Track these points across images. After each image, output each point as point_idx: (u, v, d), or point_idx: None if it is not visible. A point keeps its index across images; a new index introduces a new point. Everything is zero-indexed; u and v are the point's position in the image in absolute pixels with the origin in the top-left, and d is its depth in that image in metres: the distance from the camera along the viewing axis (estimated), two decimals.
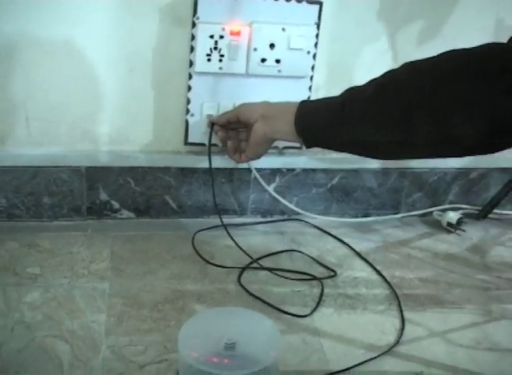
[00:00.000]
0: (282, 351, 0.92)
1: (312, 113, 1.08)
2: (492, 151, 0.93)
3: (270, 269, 1.26)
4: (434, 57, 0.93)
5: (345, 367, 1.02)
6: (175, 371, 0.98)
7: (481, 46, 0.89)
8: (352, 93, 1.03)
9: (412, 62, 0.96)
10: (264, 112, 1.17)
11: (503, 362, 1.08)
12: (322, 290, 1.22)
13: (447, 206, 1.53)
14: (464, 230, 1.48)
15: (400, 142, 0.96)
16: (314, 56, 1.31)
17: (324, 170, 1.42)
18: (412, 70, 0.95)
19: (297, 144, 1.36)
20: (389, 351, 1.07)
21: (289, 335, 1.08)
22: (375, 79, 0.99)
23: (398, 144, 0.96)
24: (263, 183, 1.41)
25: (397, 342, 1.10)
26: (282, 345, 0.91)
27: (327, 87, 1.35)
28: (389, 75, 0.98)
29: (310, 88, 1.34)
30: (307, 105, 1.11)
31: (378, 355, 1.06)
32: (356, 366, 1.03)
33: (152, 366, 0.99)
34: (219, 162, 1.36)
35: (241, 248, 1.31)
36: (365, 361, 1.04)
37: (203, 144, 1.33)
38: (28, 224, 1.36)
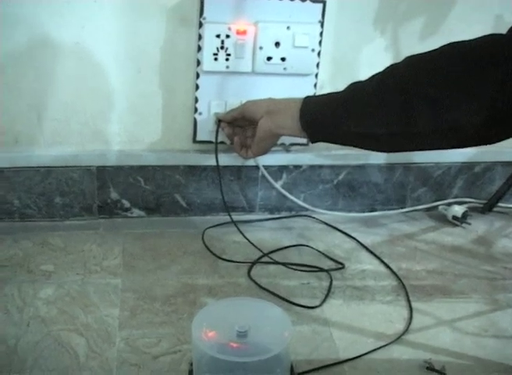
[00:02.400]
0: (292, 340, 0.94)
1: (316, 108, 1.11)
2: (493, 141, 0.95)
3: (280, 263, 1.28)
4: (435, 49, 0.95)
5: (355, 355, 1.04)
6: (188, 361, 0.99)
7: (480, 37, 0.91)
8: (355, 87, 1.06)
9: (413, 55, 0.98)
10: (268, 108, 1.19)
11: (509, 349, 1.09)
12: (331, 282, 1.24)
13: (452, 200, 1.55)
14: (469, 223, 1.50)
15: (401, 133, 0.98)
16: (319, 54, 1.33)
17: (330, 167, 1.44)
18: (412, 62, 0.98)
19: (303, 141, 1.39)
20: (397, 339, 1.09)
21: (299, 326, 1.10)
22: (377, 73, 1.02)
23: (400, 136, 0.99)
24: (271, 180, 1.43)
25: (405, 331, 1.11)
26: (292, 334, 0.93)
27: (332, 84, 1.38)
28: (391, 68, 1.01)
29: (315, 85, 1.36)
30: (311, 100, 1.13)
31: (387, 344, 1.08)
32: (365, 354, 1.05)
33: (166, 357, 1.01)
34: (227, 159, 1.38)
35: (251, 242, 1.33)
36: (374, 349, 1.06)
37: (211, 142, 1.35)
38: (40, 224, 1.38)
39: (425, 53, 0.96)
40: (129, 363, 1.00)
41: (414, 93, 0.95)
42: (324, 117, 1.09)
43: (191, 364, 0.97)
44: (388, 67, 1.01)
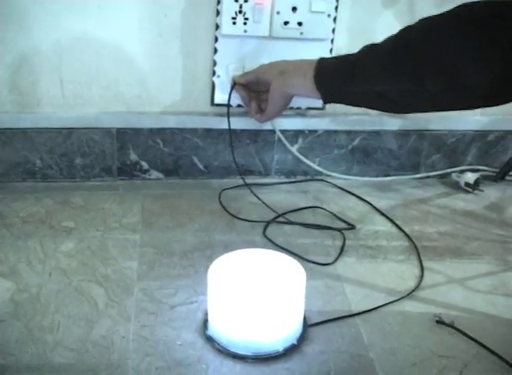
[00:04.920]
0: (306, 293, 0.97)
1: (330, 67, 1.14)
2: (501, 103, 0.97)
3: (294, 223, 1.31)
4: (448, 11, 0.97)
5: (367, 308, 1.07)
6: (204, 311, 1.03)
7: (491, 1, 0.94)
8: (369, 48, 1.08)
9: (427, 17, 1.00)
10: (282, 69, 1.23)
11: None
12: (344, 241, 1.26)
13: (465, 167, 1.57)
14: (481, 190, 1.51)
15: (412, 91, 1.00)
16: (335, 19, 1.35)
17: (345, 132, 1.46)
18: (425, 24, 1.00)
19: (320, 105, 1.41)
20: (408, 295, 1.11)
21: (312, 281, 1.12)
22: (391, 35, 1.04)
23: (411, 94, 1.01)
24: (287, 144, 1.45)
25: (417, 287, 1.14)
26: (306, 285, 0.96)
27: (347, 49, 1.37)
28: (404, 30, 1.03)
29: (331, 51, 1.38)
30: (325, 61, 1.16)
31: (399, 299, 1.10)
32: (377, 307, 1.08)
33: (183, 307, 1.04)
34: (244, 123, 1.41)
35: (265, 204, 1.36)
36: (386, 303, 1.09)
37: (229, 105, 1.38)
38: (61, 184, 1.42)
39: (438, 15, 0.98)
40: (147, 312, 1.03)
41: (425, 53, 0.97)
42: (337, 76, 1.11)
43: (206, 314, 1.01)
44: (402, 29, 1.03)
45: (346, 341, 1.00)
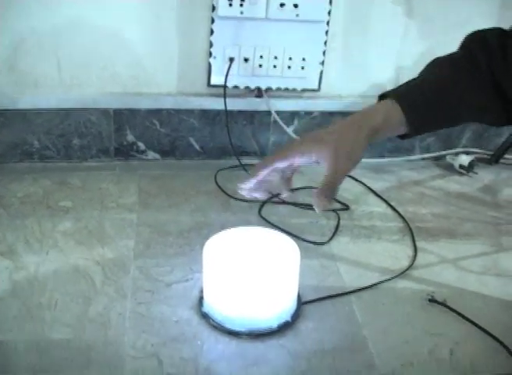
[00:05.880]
0: (300, 272, 0.99)
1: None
2: None
3: (289, 203, 1.32)
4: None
5: (360, 287, 1.09)
6: (200, 289, 1.04)
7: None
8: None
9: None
10: (337, 147, 0.90)
11: (510, 286, 1.13)
12: (339, 221, 1.27)
13: (460, 150, 1.58)
14: (476, 173, 1.52)
15: None
16: (331, 1, 1.36)
17: (341, 113, 1.47)
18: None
19: (315, 87, 1.42)
20: (402, 274, 1.13)
21: (307, 260, 1.12)
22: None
23: None
24: (283, 125, 1.46)
25: (410, 267, 1.15)
26: (300, 263, 0.98)
27: (343, 32, 1.40)
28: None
29: (326, 33, 1.38)
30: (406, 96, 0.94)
31: (392, 278, 1.12)
32: (371, 286, 1.09)
33: (179, 285, 1.06)
34: (240, 104, 1.42)
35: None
36: (379, 282, 1.10)
37: (226, 87, 1.38)
38: (59, 165, 1.43)
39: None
40: (143, 290, 1.04)
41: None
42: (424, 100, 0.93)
43: (202, 291, 1.02)
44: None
45: (339, 319, 1.01)
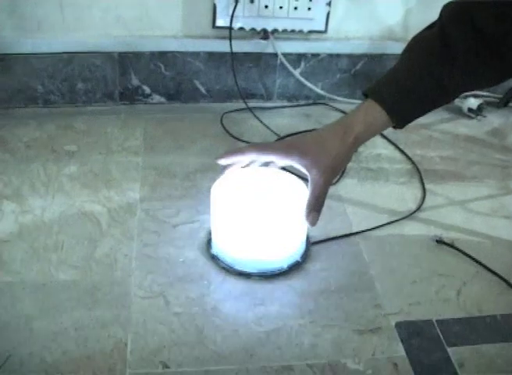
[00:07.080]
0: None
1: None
2: None
3: None
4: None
5: (367, 228, 1.09)
6: (206, 230, 1.04)
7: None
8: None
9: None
10: (322, 161, 0.91)
11: None
12: None
13: (468, 93, 1.55)
14: (484, 116, 1.51)
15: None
16: None
17: (348, 56, 1.45)
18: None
19: (322, 28, 1.40)
20: (409, 216, 1.13)
21: None
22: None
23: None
24: (289, 67, 1.44)
25: (418, 209, 1.15)
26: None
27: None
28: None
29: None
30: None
31: (400, 219, 1.11)
32: (378, 227, 1.09)
33: (185, 226, 1.06)
34: (246, 46, 1.40)
35: (268, 127, 1.36)
36: (387, 223, 1.10)
37: (231, 28, 1.36)
38: (63, 109, 1.41)
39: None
40: (149, 231, 1.04)
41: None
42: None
43: (209, 233, 1.02)
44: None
45: (347, 259, 1.01)
